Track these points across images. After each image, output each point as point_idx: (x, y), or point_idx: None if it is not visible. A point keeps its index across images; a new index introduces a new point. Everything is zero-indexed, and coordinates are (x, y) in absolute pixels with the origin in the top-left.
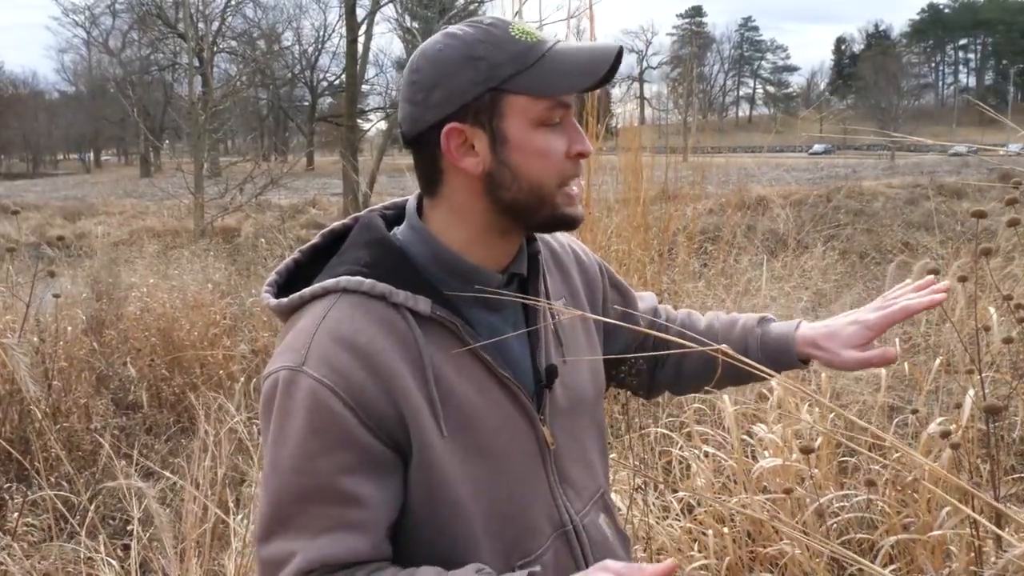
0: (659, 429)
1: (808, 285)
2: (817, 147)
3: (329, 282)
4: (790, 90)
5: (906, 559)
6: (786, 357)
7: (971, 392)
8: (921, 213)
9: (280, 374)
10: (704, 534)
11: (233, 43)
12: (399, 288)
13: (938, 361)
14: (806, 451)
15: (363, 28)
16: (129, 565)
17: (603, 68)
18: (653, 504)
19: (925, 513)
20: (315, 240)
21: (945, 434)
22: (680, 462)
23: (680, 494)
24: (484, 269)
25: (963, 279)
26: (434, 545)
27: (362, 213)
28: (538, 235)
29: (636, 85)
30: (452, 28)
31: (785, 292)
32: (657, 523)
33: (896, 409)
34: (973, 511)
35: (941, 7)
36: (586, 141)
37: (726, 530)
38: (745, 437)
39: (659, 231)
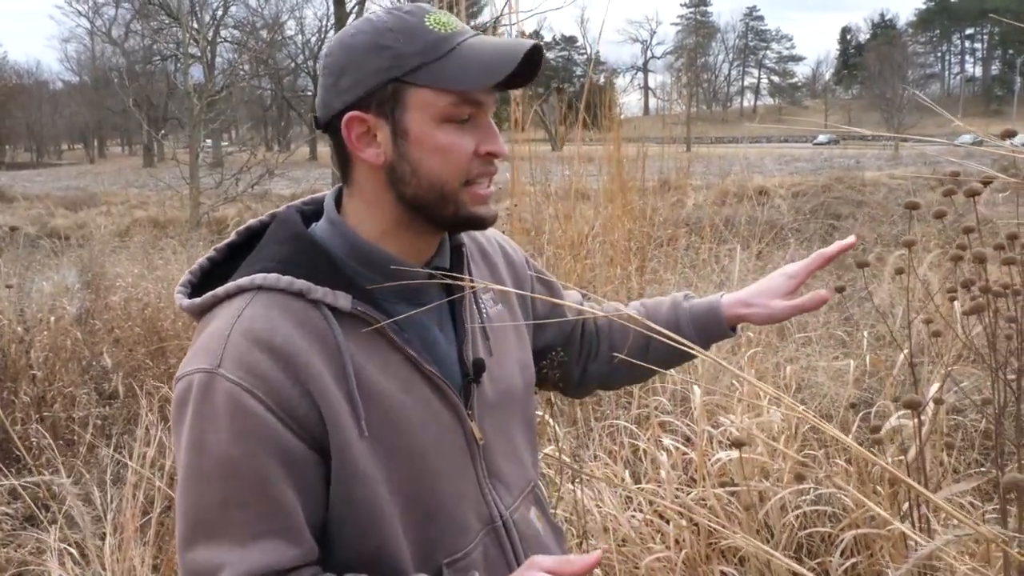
0: (622, 422)
1: None
2: (821, 137)
3: (243, 280)
4: (795, 80)
5: (867, 552)
6: (716, 324)
7: (934, 386)
8: (924, 204)
9: (195, 377)
10: (666, 523)
11: (236, 32)
12: (317, 284)
13: (903, 354)
14: (737, 444)
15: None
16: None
17: (509, 66)
18: (618, 495)
19: (888, 507)
20: (231, 238)
21: (875, 429)
22: (646, 453)
23: (642, 485)
24: (404, 262)
25: (900, 271)
26: (358, 544)
27: (280, 209)
28: None
29: (640, 75)
30: (370, 14)
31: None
32: (618, 515)
33: (864, 402)
34: (917, 505)
35: None
36: (498, 141)
37: (684, 523)
38: (709, 429)
39: (646, 222)
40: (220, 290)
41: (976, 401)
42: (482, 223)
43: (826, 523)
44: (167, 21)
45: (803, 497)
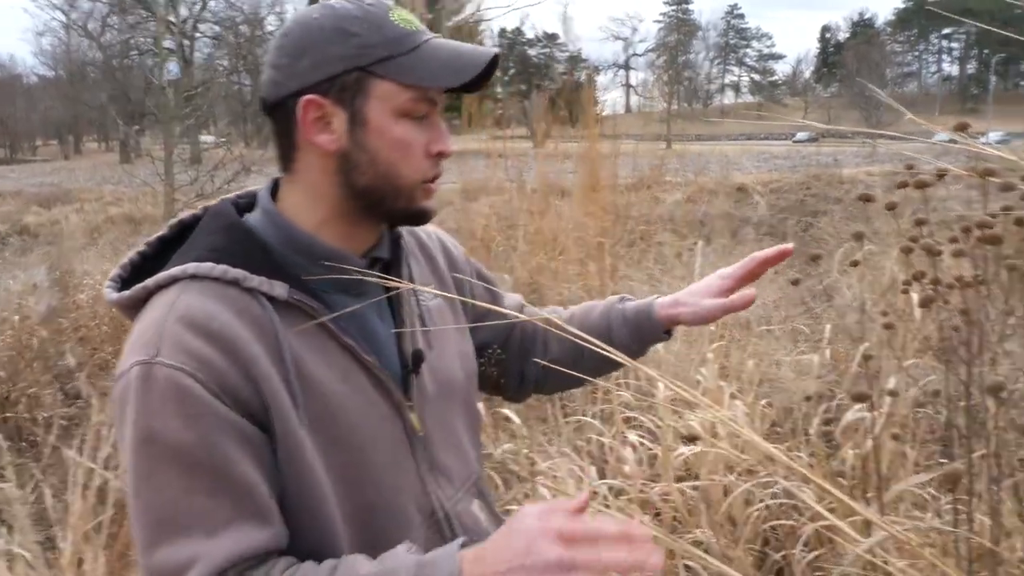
0: (587, 418)
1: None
2: (800, 135)
3: (176, 269)
4: (775, 78)
5: (830, 545)
6: (649, 325)
7: (892, 379)
8: (902, 203)
9: (132, 371)
10: (631, 517)
11: (216, 27)
12: (253, 273)
13: (863, 347)
14: (691, 439)
15: None
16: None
17: (475, 70)
18: (583, 489)
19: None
20: (162, 232)
21: (827, 422)
22: (612, 449)
23: (608, 481)
24: (343, 252)
25: (855, 263)
26: (297, 535)
27: (213, 202)
28: None
29: (622, 72)
30: (332, 0)
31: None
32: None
33: (825, 396)
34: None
35: None
36: (448, 141)
37: (647, 518)
38: (673, 423)
39: (621, 218)
40: (150, 281)
41: (928, 393)
42: (427, 216)
43: (790, 516)
44: (144, 15)
45: (767, 490)
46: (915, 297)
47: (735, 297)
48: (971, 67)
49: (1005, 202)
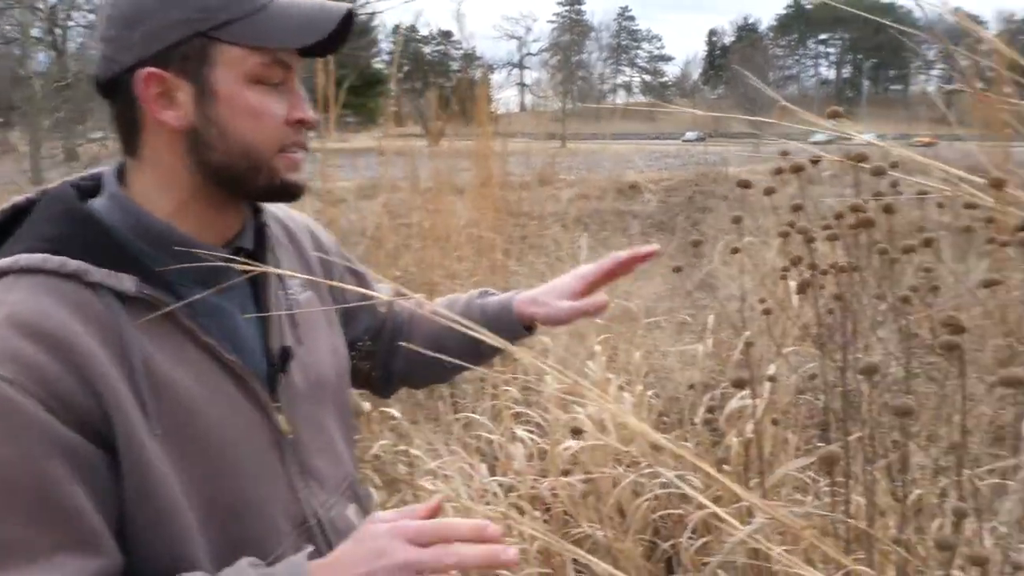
0: (475, 415)
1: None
2: (689, 134)
3: (3, 262)
4: (665, 79)
5: (716, 532)
6: (508, 320)
7: (773, 366)
8: (783, 197)
9: None
10: (522, 513)
11: (91, 15)
12: (97, 265)
13: (745, 335)
14: (576, 432)
15: None
16: None
17: (327, 26)
18: (473, 487)
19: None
20: None
21: (710, 409)
22: (501, 446)
23: (497, 478)
24: (200, 242)
25: (736, 250)
26: (150, 547)
27: (52, 185)
28: (270, 210)
29: (516, 71)
30: None
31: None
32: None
33: (709, 385)
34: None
35: (804, 3)
36: (308, 108)
37: (537, 512)
38: (561, 416)
39: (512, 214)
40: None
41: (805, 378)
42: (296, 190)
43: (678, 505)
44: (11, 1)
45: (655, 480)
46: (793, 284)
47: (587, 302)
48: (846, 71)
49: (877, 190)
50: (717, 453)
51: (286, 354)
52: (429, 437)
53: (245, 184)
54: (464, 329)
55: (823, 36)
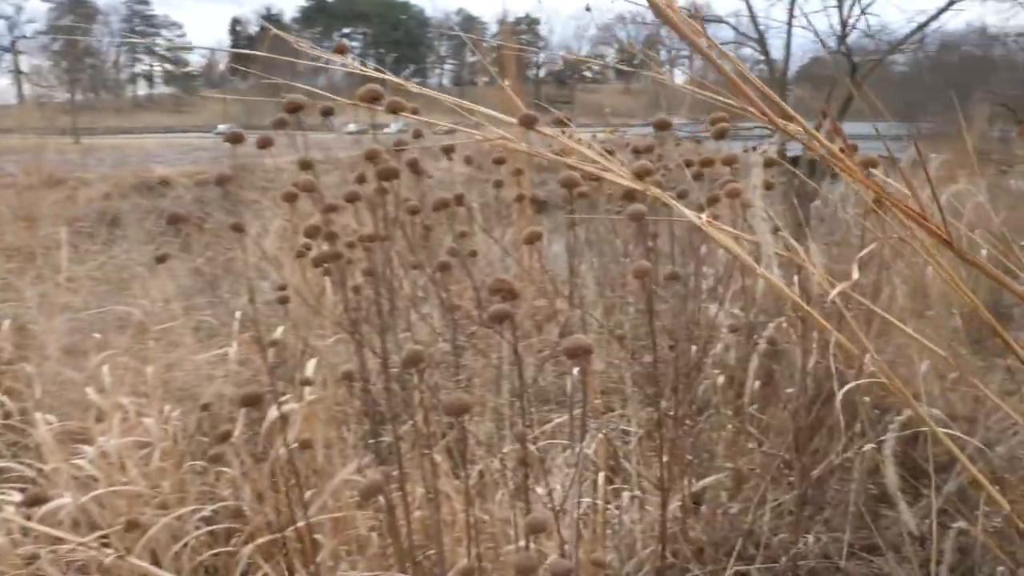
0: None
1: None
2: (221, 127)
3: None
4: (190, 69)
5: (281, 555)
6: None
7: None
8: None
9: None
10: None
11: None
12: None
13: (278, 332)
14: (34, 503)
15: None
16: None
17: None
18: None
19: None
20: None
21: (225, 436)
22: None
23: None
24: None
25: (237, 228)
26: None
27: None
28: None
29: (9, 57)
30: None
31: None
32: None
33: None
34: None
35: None
36: None
37: None
38: (64, 466)
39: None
40: None
41: (338, 374)
42: None
43: (229, 541)
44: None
45: (198, 515)
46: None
47: None
48: (371, 64)
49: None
50: (263, 469)
51: None
52: None
53: None
54: None
55: (347, 30)
